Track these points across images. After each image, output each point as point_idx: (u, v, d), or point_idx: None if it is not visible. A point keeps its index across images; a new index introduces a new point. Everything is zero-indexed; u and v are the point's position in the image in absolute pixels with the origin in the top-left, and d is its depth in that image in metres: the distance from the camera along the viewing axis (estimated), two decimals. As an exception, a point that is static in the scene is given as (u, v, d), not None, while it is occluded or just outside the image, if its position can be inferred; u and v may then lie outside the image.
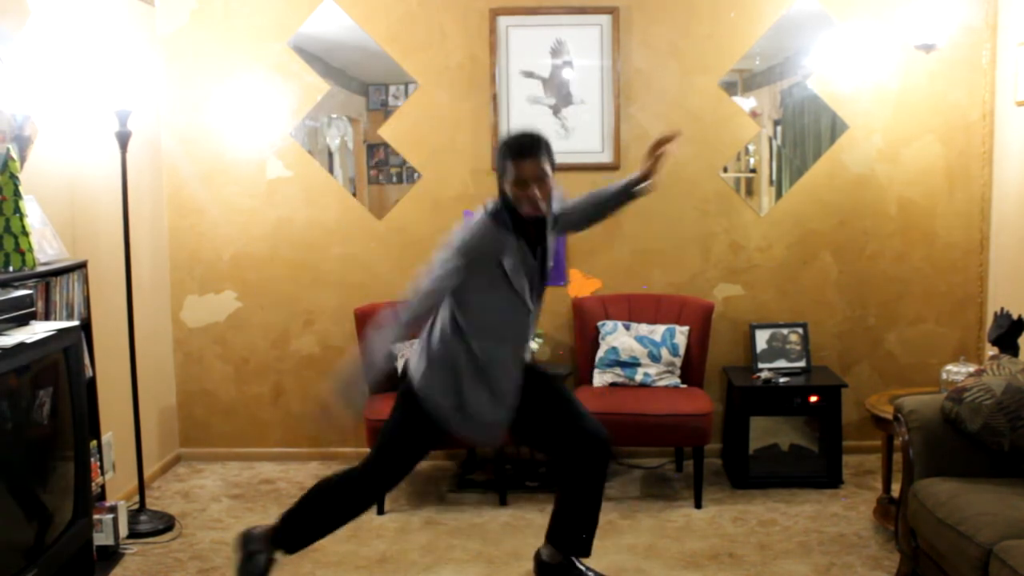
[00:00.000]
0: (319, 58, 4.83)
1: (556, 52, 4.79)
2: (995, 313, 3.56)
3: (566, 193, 3.29)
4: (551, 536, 3.41)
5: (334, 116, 4.87)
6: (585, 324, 4.73)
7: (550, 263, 3.24)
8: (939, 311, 4.88)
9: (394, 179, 4.89)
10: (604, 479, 3.38)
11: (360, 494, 3.33)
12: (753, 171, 4.87)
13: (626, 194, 3.27)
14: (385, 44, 4.81)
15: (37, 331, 2.92)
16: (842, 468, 4.50)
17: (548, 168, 3.03)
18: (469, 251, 3.03)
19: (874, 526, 3.97)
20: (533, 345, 3.41)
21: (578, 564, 3.40)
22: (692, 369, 4.60)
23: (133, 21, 4.57)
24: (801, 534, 3.94)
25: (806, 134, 4.82)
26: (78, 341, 3.21)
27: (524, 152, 3.01)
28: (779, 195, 4.86)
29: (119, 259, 4.13)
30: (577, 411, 3.33)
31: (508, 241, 3.06)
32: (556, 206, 3.19)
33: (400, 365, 3.40)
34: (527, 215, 3.05)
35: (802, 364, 4.72)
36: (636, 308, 4.76)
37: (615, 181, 3.31)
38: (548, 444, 3.44)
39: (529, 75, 4.81)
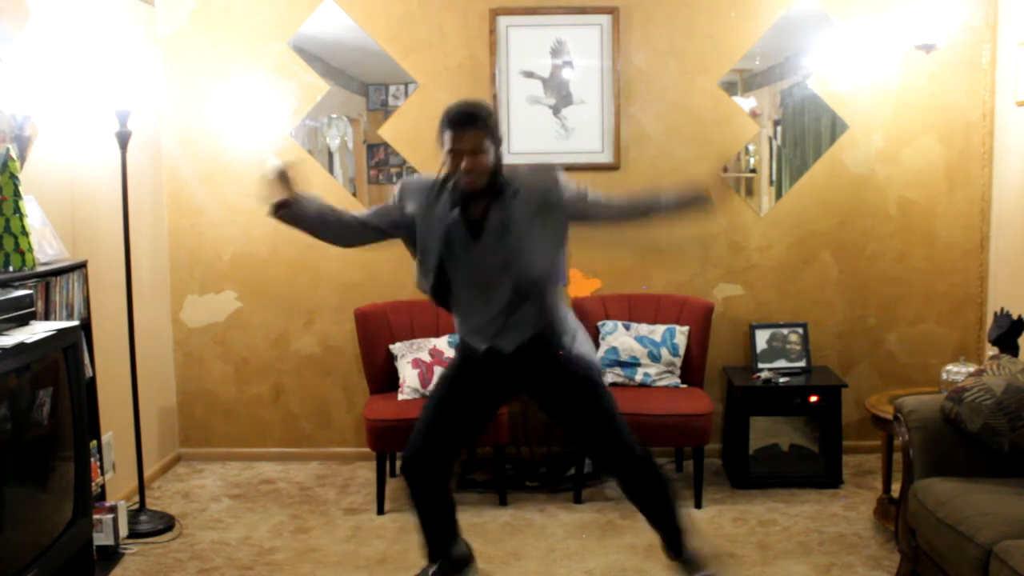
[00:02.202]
0: (319, 58, 4.83)
1: (556, 52, 4.79)
2: (995, 313, 3.55)
3: (576, 182, 3.19)
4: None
5: (334, 116, 4.87)
6: (585, 324, 4.70)
7: (515, 240, 3.07)
8: (939, 311, 4.88)
9: (394, 179, 4.88)
10: (648, 489, 3.32)
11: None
12: (753, 171, 4.87)
13: (675, 210, 3.16)
14: (385, 44, 4.81)
15: (37, 331, 2.92)
16: (842, 468, 4.50)
17: (487, 142, 3.00)
18: (401, 190, 3.20)
19: (874, 526, 3.97)
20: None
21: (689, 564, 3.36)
22: (692, 369, 4.60)
23: (133, 21, 4.58)
24: (801, 534, 3.93)
25: (806, 134, 4.82)
26: (78, 341, 3.21)
27: (461, 123, 2.99)
28: (779, 195, 4.86)
29: (119, 259, 4.13)
30: (600, 432, 3.27)
31: (433, 204, 3.09)
32: (531, 191, 3.09)
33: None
34: (462, 188, 3.04)
35: (802, 364, 4.72)
36: (636, 308, 4.76)
37: (654, 191, 3.22)
38: (584, 449, 3.49)
39: (529, 75, 4.81)
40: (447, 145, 3.01)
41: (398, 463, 4.74)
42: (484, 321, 3.19)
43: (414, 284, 3.26)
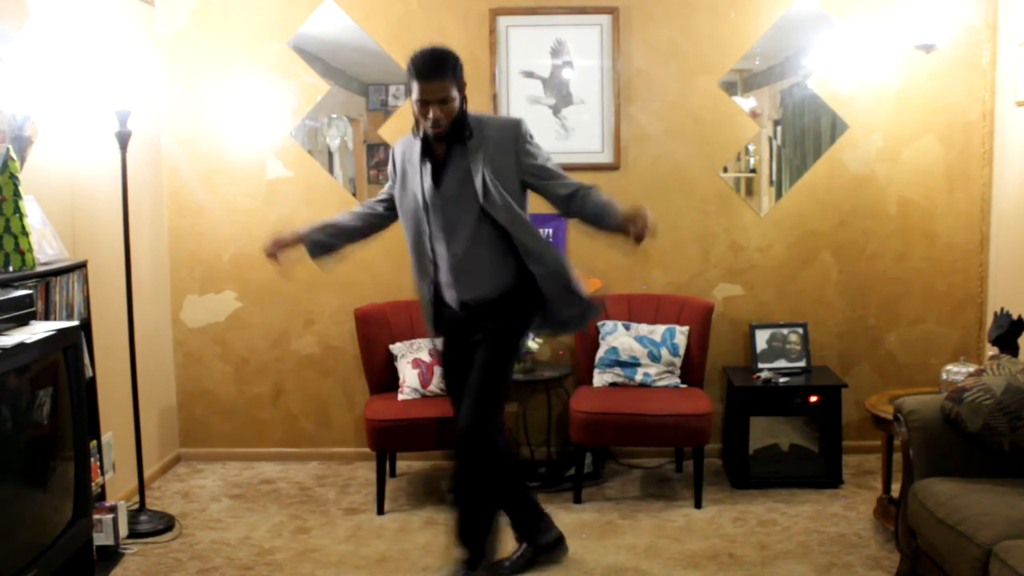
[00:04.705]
0: (319, 58, 4.83)
1: (556, 52, 4.79)
2: (995, 313, 3.56)
3: (542, 150, 3.31)
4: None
5: (334, 116, 4.87)
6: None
7: (480, 188, 3.16)
8: (939, 311, 4.88)
9: (394, 179, 4.89)
10: (469, 479, 3.33)
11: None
12: (753, 171, 4.87)
13: (602, 228, 3.23)
14: (385, 44, 4.81)
15: (37, 331, 2.92)
16: (842, 468, 4.50)
17: (453, 90, 3.09)
18: (392, 153, 3.40)
19: (874, 526, 3.98)
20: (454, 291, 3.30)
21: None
22: (692, 369, 4.60)
23: (133, 21, 4.58)
24: (801, 534, 3.94)
25: (806, 134, 4.82)
26: (78, 341, 3.21)
27: (428, 73, 3.06)
28: (779, 195, 4.86)
29: (119, 259, 4.14)
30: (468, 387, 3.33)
31: (413, 153, 3.23)
32: (490, 137, 3.19)
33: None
34: (428, 135, 3.16)
35: (802, 364, 4.72)
36: (636, 308, 4.76)
37: (609, 207, 3.18)
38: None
39: (529, 75, 4.81)
40: (415, 95, 3.09)
41: (399, 462, 4.77)
42: (447, 271, 3.29)
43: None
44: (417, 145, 3.25)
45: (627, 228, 3.08)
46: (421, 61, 3.07)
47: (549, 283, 3.26)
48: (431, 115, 3.07)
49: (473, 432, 3.25)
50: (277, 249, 3.39)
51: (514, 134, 3.22)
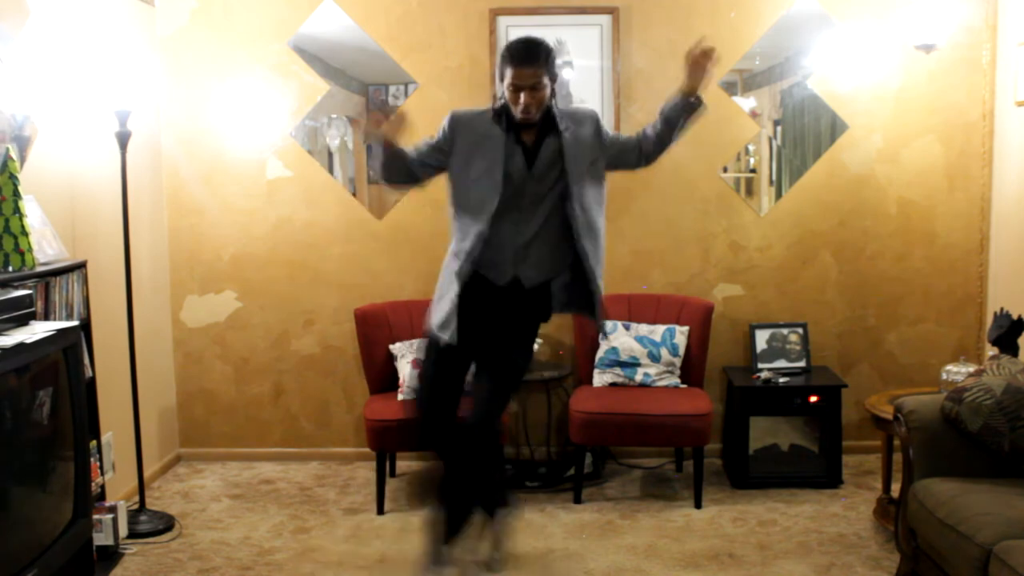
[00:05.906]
0: (319, 58, 4.83)
1: (556, 52, 4.78)
2: (995, 313, 3.56)
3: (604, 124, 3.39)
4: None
5: (334, 116, 4.87)
6: (585, 324, 4.72)
7: (571, 173, 3.23)
8: (939, 311, 4.88)
9: (394, 179, 4.88)
10: (469, 459, 3.45)
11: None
12: (753, 171, 4.87)
13: (672, 117, 3.33)
14: (385, 44, 4.81)
15: (37, 331, 2.92)
16: (842, 468, 4.50)
17: (545, 78, 3.16)
18: (452, 122, 3.29)
19: (874, 526, 3.98)
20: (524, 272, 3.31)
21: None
22: (692, 369, 4.60)
23: (133, 21, 4.58)
24: (801, 534, 3.94)
25: (806, 134, 4.82)
26: (78, 341, 3.21)
27: (522, 59, 3.14)
28: (779, 195, 4.86)
29: (119, 259, 4.14)
30: (479, 386, 3.39)
31: (494, 132, 3.23)
32: (580, 128, 3.27)
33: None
34: (519, 120, 3.20)
35: (802, 364, 4.72)
36: (636, 308, 4.76)
37: (666, 106, 3.36)
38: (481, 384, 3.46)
39: (529, 75, 4.80)
40: (507, 80, 3.17)
41: (399, 462, 4.76)
42: (510, 250, 3.28)
43: (448, 212, 3.40)
44: (495, 126, 3.25)
45: (692, 84, 3.27)
46: (516, 47, 3.18)
47: (596, 261, 3.33)
48: (522, 101, 3.15)
49: (491, 422, 3.38)
50: (379, 125, 3.37)
51: (596, 122, 3.35)
